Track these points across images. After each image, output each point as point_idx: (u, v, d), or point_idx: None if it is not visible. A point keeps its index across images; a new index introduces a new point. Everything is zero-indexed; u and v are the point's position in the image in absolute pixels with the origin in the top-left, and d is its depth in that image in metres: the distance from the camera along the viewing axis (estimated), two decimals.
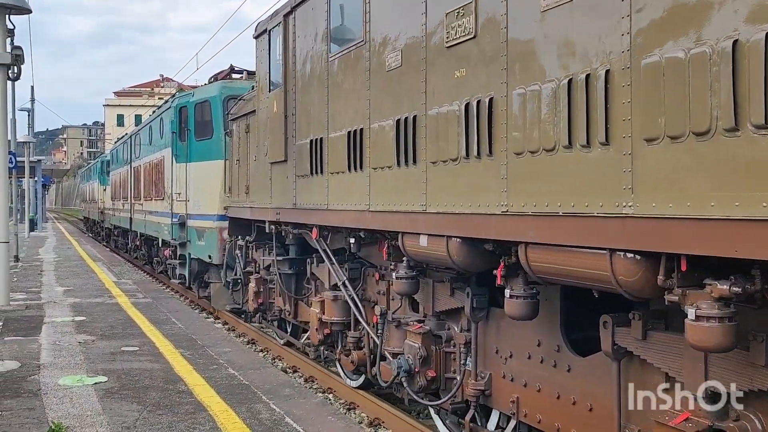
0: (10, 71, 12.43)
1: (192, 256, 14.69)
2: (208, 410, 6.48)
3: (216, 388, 7.27)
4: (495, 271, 4.90)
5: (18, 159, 27.74)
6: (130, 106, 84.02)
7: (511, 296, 4.84)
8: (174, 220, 15.40)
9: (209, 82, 15.10)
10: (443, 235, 5.26)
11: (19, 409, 6.41)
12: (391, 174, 5.99)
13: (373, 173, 6.31)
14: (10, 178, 17.68)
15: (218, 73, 14.88)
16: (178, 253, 15.51)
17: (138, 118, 43.45)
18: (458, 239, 5.12)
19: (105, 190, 32.78)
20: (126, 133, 30.32)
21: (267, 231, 9.78)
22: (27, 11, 12.76)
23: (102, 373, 7.81)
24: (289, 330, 10.82)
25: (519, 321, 4.99)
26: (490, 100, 4.67)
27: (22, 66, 12.54)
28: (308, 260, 9.11)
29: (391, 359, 6.71)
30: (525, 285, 4.79)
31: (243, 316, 12.88)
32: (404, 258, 6.22)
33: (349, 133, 6.75)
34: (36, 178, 45.17)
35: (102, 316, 11.77)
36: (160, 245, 18.05)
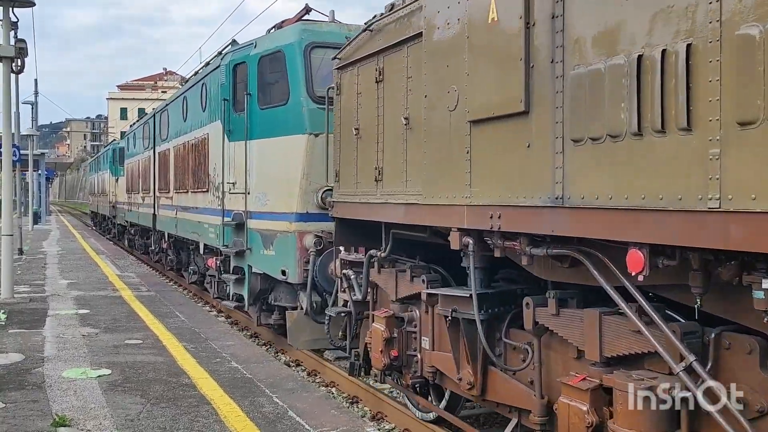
0: (13, 64, 12.43)
1: (254, 270, 10.45)
2: (211, 403, 6.50)
3: (219, 381, 7.29)
4: None
5: (22, 152, 27.75)
6: (134, 99, 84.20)
7: None
8: (226, 219, 11.05)
9: (269, 33, 10.80)
10: None
11: (24, 402, 6.44)
12: None
13: None
14: (14, 171, 17.71)
15: (283, 21, 10.81)
16: (232, 265, 11.10)
17: (141, 112, 43.22)
18: None
19: (117, 181, 28.58)
20: (147, 112, 25.10)
21: (459, 246, 5.41)
22: (30, 3, 12.78)
23: (106, 365, 7.83)
24: (439, 400, 6.81)
25: None
26: None
27: (25, 59, 12.55)
28: (527, 301, 5.03)
29: None
30: None
31: (343, 362, 8.85)
32: None
33: None
34: (39, 171, 45.17)
35: (105, 309, 11.80)
36: (200, 252, 13.58)
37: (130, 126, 26.74)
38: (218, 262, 12.10)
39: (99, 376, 7.40)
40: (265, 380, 7.44)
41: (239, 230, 10.67)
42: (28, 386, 6.97)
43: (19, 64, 12.51)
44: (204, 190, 12.76)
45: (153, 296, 13.50)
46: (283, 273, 9.49)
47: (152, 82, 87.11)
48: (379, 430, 6.98)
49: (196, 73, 14.70)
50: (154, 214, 18.65)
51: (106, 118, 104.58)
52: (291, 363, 9.76)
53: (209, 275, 13.26)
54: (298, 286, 9.39)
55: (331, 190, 8.17)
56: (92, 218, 47.11)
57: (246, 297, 10.75)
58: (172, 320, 10.85)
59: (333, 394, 8.20)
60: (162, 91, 50.96)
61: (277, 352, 10.51)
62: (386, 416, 7.30)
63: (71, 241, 29.43)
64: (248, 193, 10.43)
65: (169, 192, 16.40)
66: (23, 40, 12.50)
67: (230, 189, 11.05)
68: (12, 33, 12.48)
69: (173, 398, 6.64)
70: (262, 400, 6.68)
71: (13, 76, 12.91)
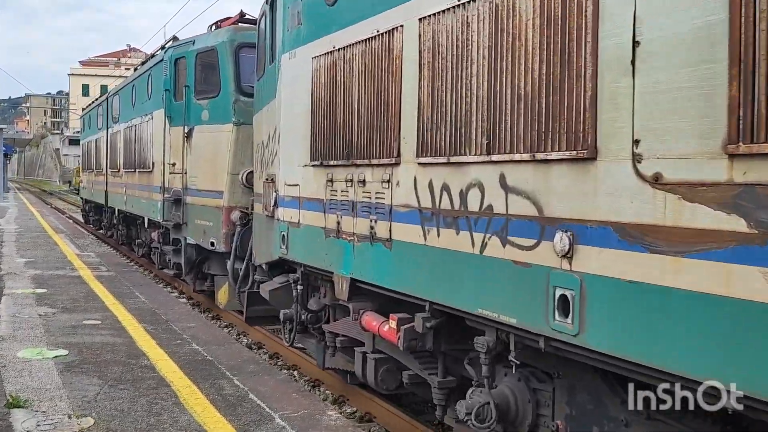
0: None
1: None
2: (170, 385, 6.42)
3: (179, 363, 7.20)
4: None
5: None
6: (96, 75, 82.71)
7: None
8: None
9: None
10: None
11: None
12: None
13: None
14: None
15: None
16: None
17: (104, 89, 40.30)
18: None
19: (189, 137, 11.56)
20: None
21: None
22: None
23: (62, 346, 7.69)
24: None
25: None
26: None
27: None
28: None
29: None
30: None
31: None
32: None
33: None
34: None
35: (64, 288, 11.58)
36: None
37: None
38: None
39: (56, 356, 7.26)
40: (226, 363, 7.38)
41: None
42: None
43: None
44: None
45: (113, 276, 13.29)
46: None
47: (116, 59, 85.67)
48: (341, 413, 6.96)
49: None
50: None
51: (68, 94, 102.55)
52: (253, 345, 9.70)
53: None
54: None
55: None
56: (86, 214, 26.92)
57: None
58: (132, 301, 10.69)
59: (295, 377, 8.17)
60: (125, 68, 49.83)
61: (239, 335, 10.42)
62: (348, 399, 7.29)
63: (29, 219, 28.81)
64: None
65: None
66: None
67: None
68: None
69: (132, 380, 6.54)
70: (223, 382, 6.62)
71: None
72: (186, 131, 11.50)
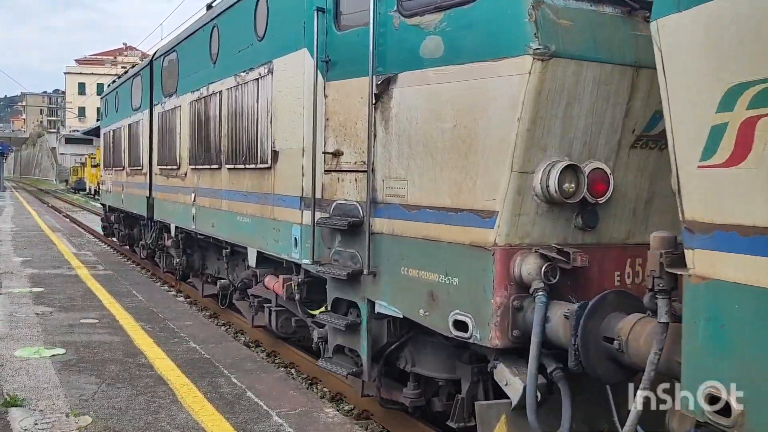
0: None
1: None
2: (168, 384, 6.43)
3: (177, 361, 7.21)
4: None
5: None
6: (92, 74, 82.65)
7: None
8: None
9: None
10: None
11: None
12: None
13: None
14: None
15: None
16: None
17: (100, 87, 39.61)
18: None
19: (380, 98, 5.26)
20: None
21: None
22: None
23: (60, 345, 7.69)
24: None
25: None
26: None
27: None
28: None
29: None
30: None
31: None
32: None
33: None
34: None
35: (61, 287, 11.57)
36: None
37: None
38: None
39: (53, 355, 7.27)
40: (223, 361, 7.39)
41: None
42: None
43: None
44: None
45: (110, 275, 13.29)
46: None
47: (112, 57, 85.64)
48: (338, 411, 6.97)
49: None
50: None
51: (64, 92, 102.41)
52: (250, 344, 9.70)
53: None
54: None
55: None
56: (108, 225, 19.88)
57: None
58: (130, 299, 10.69)
59: (292, 374, 8.17)
60: (121, 66, 49.69)
61: (236, 333, 10.42)
62: (345, 397, 7.30)
63: (26, 218, 28.77)
64: None
65: None
66: None
67: None
68: None
69: (129, 378, 6.55)
70: (221, 380, 6.63)
71: None
72: (376, 85, 5.31)
